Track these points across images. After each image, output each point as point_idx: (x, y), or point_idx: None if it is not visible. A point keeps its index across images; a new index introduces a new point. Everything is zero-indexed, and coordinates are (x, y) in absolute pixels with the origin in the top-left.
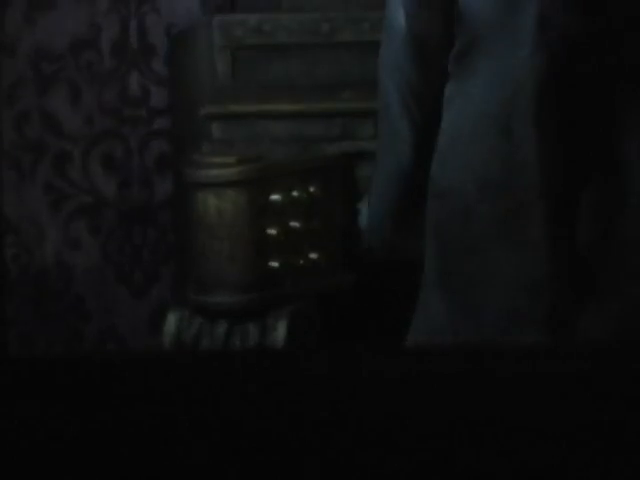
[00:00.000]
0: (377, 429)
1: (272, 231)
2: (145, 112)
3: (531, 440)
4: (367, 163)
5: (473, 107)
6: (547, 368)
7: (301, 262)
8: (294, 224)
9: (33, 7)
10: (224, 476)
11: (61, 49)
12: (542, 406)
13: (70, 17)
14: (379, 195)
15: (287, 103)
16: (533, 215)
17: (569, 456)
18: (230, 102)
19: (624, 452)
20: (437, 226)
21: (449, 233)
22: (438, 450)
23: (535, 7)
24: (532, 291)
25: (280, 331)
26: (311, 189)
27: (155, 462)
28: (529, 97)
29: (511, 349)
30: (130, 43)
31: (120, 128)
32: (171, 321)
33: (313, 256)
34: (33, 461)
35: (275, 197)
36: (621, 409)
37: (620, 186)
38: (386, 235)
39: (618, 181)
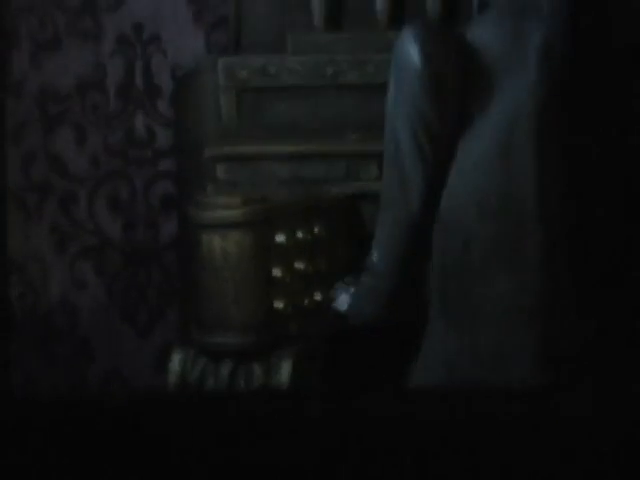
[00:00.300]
0: (380, 469)
1: (277, 272)
2: (150, 153)
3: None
4: (371, 204)
5: (480, 139)
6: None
7: (306, 303)
8: (298, 265)
9: (39, 48)
10: None
11: (67, 90)
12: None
13: (76, 58)
14: (388, 244)
15: (291, 144)
16: (531, 240)
17: None
18: (235, 143)
19: None
20: (441, 255)
21: (451, 260)
22: None
23: (539, 37)
24: (528, 316)
25: (284, 371)
26: (315, 230)
27: None
28: (529, 123)
29: (505, 390)
30: (136, 84)
31: (125, 169)
32: (176, 361)
33: (318, 297)
34: None
35: (279, 238)
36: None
37: (616, 210)
38: (393, 279)
39: (614, 205)
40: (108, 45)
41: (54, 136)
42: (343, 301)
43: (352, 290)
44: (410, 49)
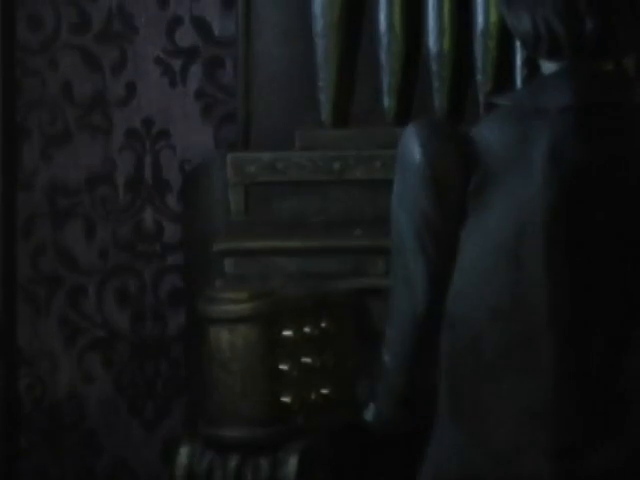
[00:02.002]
0: None
1: (284, 366)
2: (159, 247)
3: None
4: (379, 299)
5: (489, 241)
6: None
7: (313, 397)
8: (306, 360)
9: (50, 143)
10: None
11: (76, 184)
12: None
13: (86, 153)
14: (396, 341)
15: (299, 239)
16: (542, 344)
17: None
18: (243, 238)
19: None
20: (449, 355)
21: (460, 361)
22: None
23: (546, 140)
24: (540, 419)
25: (291, 466)
26: (323, 325)
27: None
28: (539, 228)
29: None
30: (145, 179)
31: (134, 263)
32: (183, 454)
33: (325, 391)
34: None
35: (287, 333)
36: None
37: (627, 311)
38: (404, 376)
39: (624, 312)
40: (118, 139)
41: (63, 229)
42: (368, 414)
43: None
44: (412, 147)
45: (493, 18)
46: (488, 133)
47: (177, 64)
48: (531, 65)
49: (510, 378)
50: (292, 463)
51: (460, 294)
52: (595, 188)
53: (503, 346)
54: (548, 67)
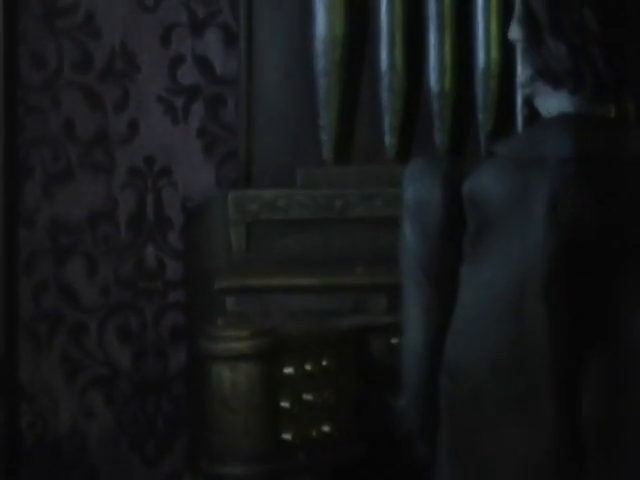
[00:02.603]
0: None
1: (285, 403)
2: (160, 284)
3: None
4: (380, 337)
5: (487, 289)
6: None
7: (314, 434)
8: (307, 397)
9: (52, 180)
10: None
11: (78, 221)
12: None
13: (88, 190)
14: (404, 378)
15: (301, 277)
16: (543, 394)
17: None
18: (244, 276)
19: None
20: (449, 402)
21: (460, 410)
22: None
23: (546, 191)
24: (540, 468)
25: None
26: (324, 362)
27: None
28: (540, 276)
29: None
30: (147, 216)
31: (136, 300)
32: None
33: (326, 428)
34: None
35: (288, 370)
36: None
37: (625, 362)
38: (413, 408)
39: (623, 357)
40: (120, 177)
41: (65, 266)
42: (396, 405)
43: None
44: (405, 185)
45: (494, 57)
46: (487, 180)
47: (179, 102)
48: (532, 104)
49: (510, 428)
50: None
51: (459, 340)
52: (595, 238)
53: (503, 396)
54: (548, 109)
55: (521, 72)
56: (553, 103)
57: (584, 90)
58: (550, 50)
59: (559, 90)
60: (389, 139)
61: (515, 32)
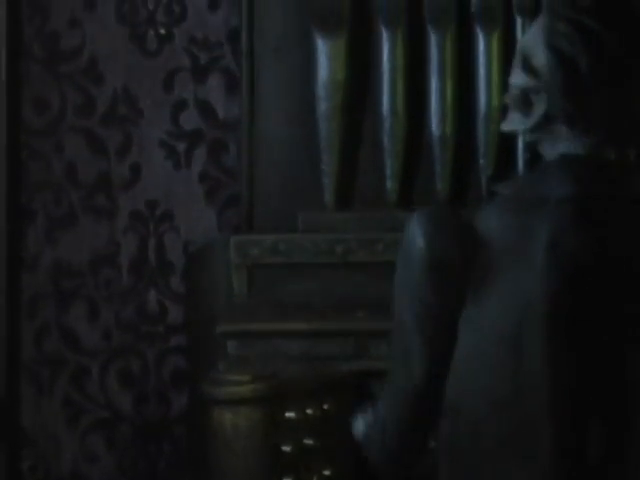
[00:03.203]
0: None
1: (286, 447)
2: (162, 328)
3: None
4: (381, 381)
5: (489, 330)
6: None
7: (315, 479)
8: (308, 441)
9: (54, 224)
10: None
11: (81, 265)
12: None
13: (90, 234)
14: (391, 414)
15: (302, 322)
16: (542, 433)
17: None
18: (246, 320)
19: None
20: (448, 441)
21: (460, 446)
22: None
23: (546, 231)
24: None
25: None
26: (325, 407)
27: None
28: (540, 317)
29: None
30: (149, 260)
31: (137, 344)
32: None
33: (326, 473)
34: None
35: (289, 414)
36: None
37: (626, 408)
38: (396, 453)
39: (624, 403)
40: (122, 221)
41: (67, 310)
42: (358, 428)
43: (367, 419)
44: (415, 235)
45: (495, 103)
46: (489, 222)
47: (181, 147)
48: (533, 149)
49: (509, 464)
50: None
51: (460, 381)
52: (595, 280)
53: (503, 434)
54: (550, 153)
55: (519, 119)
56: (553, 148)
57: (589, 133)
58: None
59: (571, 131)
60: (390, 184)
61: (520, 77)
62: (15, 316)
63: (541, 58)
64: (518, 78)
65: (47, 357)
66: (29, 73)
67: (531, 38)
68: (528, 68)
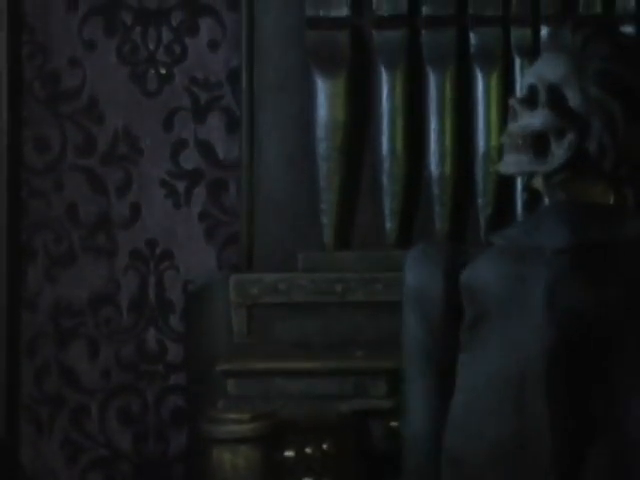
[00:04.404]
0: None
1: None
2: (162, 367)
3: None
4: (380, 421)
5: (485, 378)
6: None
7: None
8: None
9: (54, 263)
10: None
11: (80, 304)
12: None
13: (90, 273)
14: (405, 463)
15: (301, 361)
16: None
17: None
18: (245, 359)
19: None
20: None
21: None
22: None
23: (543, 282)
24: None
25: None
26: (324, 446)
27: None
28: (540, 370)
29: None
30: (148, 299)
31: (137, 383)
32: None
33: None
34: None
35: (289, 453)
36: None
37: (627, 450)
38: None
39: (625, 445)
40: (122, 260)
41: (67, 349)
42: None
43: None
44: (407, 273)
45: (494, 142)
46: (485, 270)
47: (181, 186)
48: (531, 190)
49: None
50: None
51: (459, 430)
52: (593, 327)
53: None
54: (551, 196)
55: (528, 161)
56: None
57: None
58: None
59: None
60: (389, 224)
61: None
62: (15, 355)
63: (576, 99)
64: (538, 118)
65: (47, 396)
66: (30, 113)
67: (560, 77)
68: (559, 108)
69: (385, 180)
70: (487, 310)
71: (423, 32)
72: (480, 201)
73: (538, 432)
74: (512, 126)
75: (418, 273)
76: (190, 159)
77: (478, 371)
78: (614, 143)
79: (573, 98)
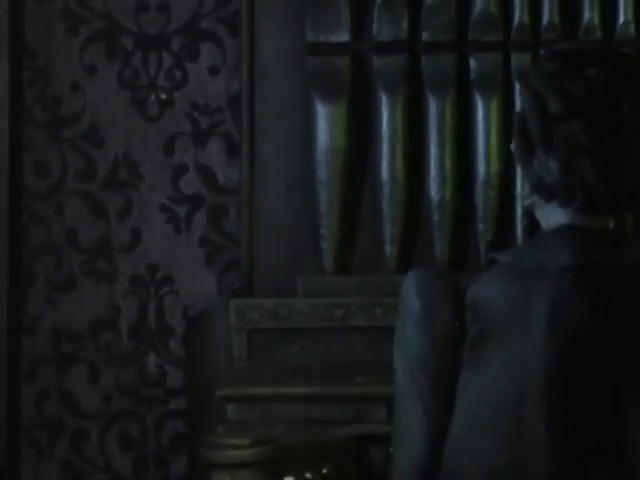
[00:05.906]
0: None
1: None
2: (162, 392)
3: None
4: (380, 446)
5: (486, 396)
6: None
7: None
8: None
9: (54, 288)
10: None
11: (80, 329)
12: None
13: (90, 298)
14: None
15: (301, 386)
16: None
17: None
18: (246, 384)
19: None
20: None
21: None
22: None
23: (546, 300)
24: None
25: None
26: (324, 471)
27: None
28: (539, 386)
29: None
30: (148, 324)
31: (137, 408)
32: None
33: None
34: None
35: (288, 479)
36: None
37: (624, 462)
38: None
39: (625, 468)
40: (122, 285)
41: (67, 374)
42: None
43: None
44: (410, 293)
45: (494, 168)
46: (488, 289)
47: (182, 211)
48: (531, 215)
49: None
50: None
51: (457, 446)
52: (595, 347)
53: None
54: (547, 221)
55: (522, 184)
56: (551, 216)
57: (574, 204)
58: (542, 164)
59: (552, 203)
60: (389, 249)
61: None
62: (15, 380)
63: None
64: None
65: (46, 421)
66: (31, 138)
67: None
68: (518, 136)
69: (385, 206)
70: (491, 327)
71: (423, 58)
72: (480, 227)
73: (536, 450)
74: None
75: (425, 294)
76: (190, 184)
77: (479, 388)
78: (576, 167)
79: (529, 123)
